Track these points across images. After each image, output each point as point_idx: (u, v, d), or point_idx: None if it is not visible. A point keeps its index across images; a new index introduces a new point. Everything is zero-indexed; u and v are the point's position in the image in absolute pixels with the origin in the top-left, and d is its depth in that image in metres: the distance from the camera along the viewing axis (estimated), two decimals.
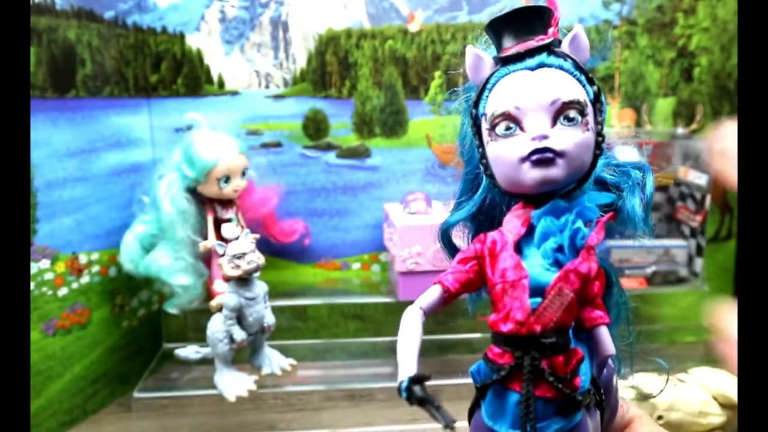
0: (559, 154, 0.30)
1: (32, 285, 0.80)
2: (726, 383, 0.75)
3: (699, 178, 0.98)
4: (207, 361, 0.81)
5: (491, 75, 0.32)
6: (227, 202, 0.92)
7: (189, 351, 0.81)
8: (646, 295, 1.01)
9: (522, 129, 0.31)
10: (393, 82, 1.05)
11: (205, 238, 0.90)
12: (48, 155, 0.82)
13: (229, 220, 0.91)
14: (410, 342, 0.31)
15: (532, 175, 0.30)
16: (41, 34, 0.81)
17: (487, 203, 0.35)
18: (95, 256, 0.90)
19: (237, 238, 0.75)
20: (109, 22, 0.93)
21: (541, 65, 0.31)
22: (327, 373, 0.92)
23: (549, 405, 0.29)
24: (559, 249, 0.30)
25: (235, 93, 1.04)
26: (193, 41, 1.01)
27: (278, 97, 1.05)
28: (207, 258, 0.91)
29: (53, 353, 0.83)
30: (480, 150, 0.33)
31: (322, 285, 1.07)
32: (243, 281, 0.77)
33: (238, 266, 0.75)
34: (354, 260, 1.09)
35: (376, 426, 0.83)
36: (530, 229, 0.31)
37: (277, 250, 1.04)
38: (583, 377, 0.30)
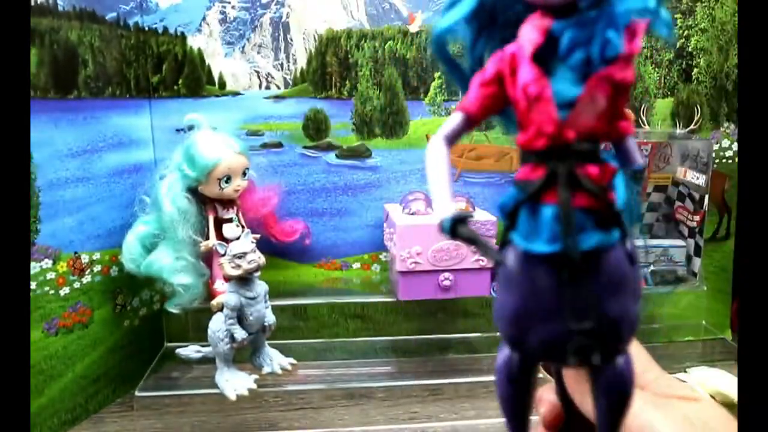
0: None
1: (34, 284, 0.80)
2: (725, 382, 0.76)
3: (697, 178, 0.99)
4: (208, 361, 0.81)
5: None
6: (228, 202, 0.92)
7: (190, 350, 0.82)
8: (645, 294, 1.02)
9: None
10: (393, 82, 1.06)
11: (206, 237, 0.91)
12: (50, 155, 0.83)
13: (229, 220, 0.91)
14: (441, 176, 0.29)
15: None
16: (43, 35, 0.82)
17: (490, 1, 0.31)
18: (97, 255, 0.90)
19: (238, 238, 0.76)
20: (110, 23, 0.93)
21: None
22: (327, 373, 0.93)
23: (588, 217, 0.27)
24: (588, 62, 0.27)
25: (236, 94, 1.04)
26: (194, 42, 1.01)
27: (279, 97, 1.05)
28: (208, 258, 0.91)
29: (55, 352, 0.83)
30: None
31: (322, 284, 1.08)
32: (244, 281, 0.77)
33: (238, 266, 0.75)
34: (354, 260, 1.10)
35: (376, 425, 0.84)
36: (553, 42, 0.28)
37: (277, 250, 1.04)
38: (618, 197, 0.28)
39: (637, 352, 0.39)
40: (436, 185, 0.29)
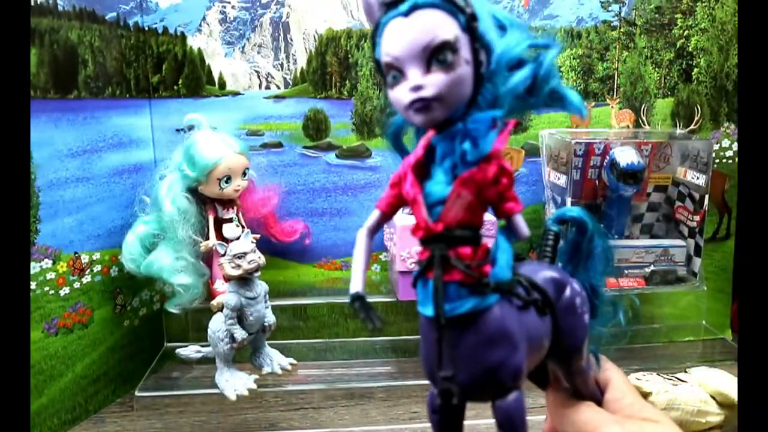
0: (435, 99, 0.32)
1: (34, 285, 0.80)
2: (725, 382, 0.76)
3: (697, 178, 0.99)
4: (208, 361, 0.81)
5: (378, 21, 0.34)
6: (228, 202, 0.92)
7: (190, 350, 0.82)
8: (645, 294, 1.01)
9: (405, 76, 0.33)
10: None
11: (206, 237, 0.91)
12: (50, 155, 0.83)
13: (230, 220, 0.91)
14: (359, 261, 0.38)
15: (416, 119, 0.34)
16: (43, 35, 0.82)
17: None
18: (97, 255, 0.90)
19: (238, 238, 0.76)
20: (110, 23, 0.93)
21: (414, 7, 0.32)
22: (327, 373, 0.92)
23: (461, 288, 0.34)
24: (455, 167, 0.34)
25: (235, 94, 1.04)
26: (194, 42, 1.01)
27: (279, 97, 1.05)
28: (208, 258, 0.91)
29: (55, 352, 0.83)
30: (387, 90, 0.35)
31: (322, 284, 1.08)
32: (244, 281, 0.77)
33: (238, 266, 0.75)
34: None
35: (376, 425, 0.84)
36: (434, 151, 0.36)
37: (277, 250, 1.04)
38: (501, 269, 0.35)
39: (618, 380, 0.44)
40: (354, 268, 0.38)
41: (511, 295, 0.36)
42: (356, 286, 0.37)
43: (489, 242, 0.36)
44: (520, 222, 0.35)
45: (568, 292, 0.40)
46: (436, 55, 0.32)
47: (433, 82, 0.32)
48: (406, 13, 0.32)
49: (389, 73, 0.34)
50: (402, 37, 0.32)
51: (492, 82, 0.34)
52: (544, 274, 0.40)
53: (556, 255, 0.44)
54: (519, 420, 0.36)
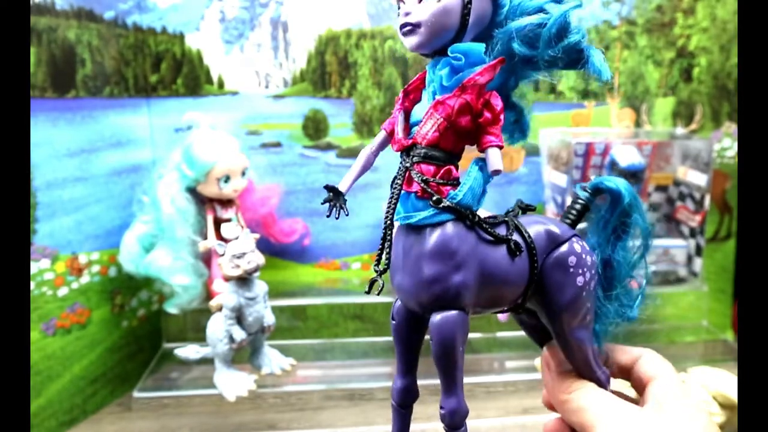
0: (417, 25, 0.36)
1: (32, 285, 0.80)
2: (725, 383, 0.75)
3: (698, 178, 0.99)
4: (207, 361, 0.81)
5: None
6: (227, 202, 0.92)
7: (189, 351, 0.81)
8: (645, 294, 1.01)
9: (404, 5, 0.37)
10: (393, 82, 1.05)
11: (205, 237, 0.90)
12: (48, 155, 0.82)
13: (228, 220, 0.91)
14: (354, 168, 0.41)
15: (406, 42, 0.38)
16: (41, 34, 0.81)
17: None
18: (95, 255, 0.90)
19: (237, 238, 0.76)
20: (109, 22, 0.93)
21: None
22: (327, 373, 0.92)
23: (418, 201, 0.37)
24: (435, 91, 0.38)
25: (234, 93, 1.04)
26: (192, 41, 1.01)
27: (278, 97, 1.05)
28: (207, 258, 0.91)
29: (53, 353, 0.83)
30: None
31: (321, 285, 1.07)
32: (243, 281, 0.77)
33: (238, 266, 0.75)
34: (354, 260, 1.09)
35: (376, 425, 0.83)
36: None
37: (277, 250, 1.04)
38: (462, 192, 0.37)
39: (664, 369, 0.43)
40: (348, 173, 0.41)
41: (471, 221, 0.38)
42: (342, 184, 0.40)
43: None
44: (494, 156, 0.37)
45: (564, 248, 0.41)
46: None
47: (420, 9, 0.36)
48: None
49: (398, 5, 0.38)
50: None
51: (503, 26, 0.37)
52: (541, 226, 0.42)
53: (579, 221, 0.45)
54: (448, 337, 0.37)
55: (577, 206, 0.45)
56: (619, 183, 0.43)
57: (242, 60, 1.04)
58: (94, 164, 0.90)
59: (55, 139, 0.83)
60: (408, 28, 0.37)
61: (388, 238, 0.38)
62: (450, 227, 0.37)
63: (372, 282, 0.38)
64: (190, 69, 1.01)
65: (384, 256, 0.38)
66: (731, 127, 1.10)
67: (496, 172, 0.37)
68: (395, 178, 0.38)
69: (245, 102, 1.04)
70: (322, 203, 0.39)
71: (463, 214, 0.37)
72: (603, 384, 0.44)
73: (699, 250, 1.00)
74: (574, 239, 0.42)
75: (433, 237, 0.37)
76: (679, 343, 1.06)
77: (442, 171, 0.37)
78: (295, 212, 1.06)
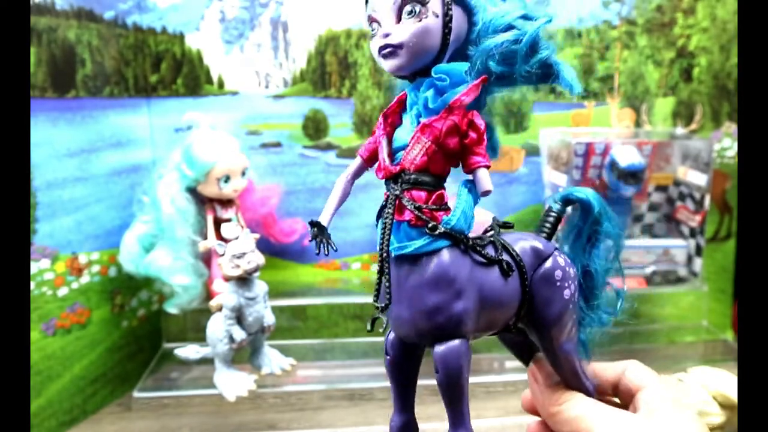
0: (398, 46, 0.36)
1: (32, 285, 0.80)
2: (725, 383, 0.75)
3: (698, 178, 0.99)
4: (207, 361, 0.81)
5: None
6: (227, 202, 0.92)
7: (189, 351, 0.81)
8: (646, 294, 1.01)
9: (381, 27, 0.37)
10: (393, 82, 1.05)
11: (205, 237, 0.90)
12: (48, 155, 0.82)
13: (228, 220, 0.91)
14: (332, 199, 0.40)
15: (385, 65, 0.37)
16: (41, 34, 0.81)
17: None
18: (95, 256, 0.90)
19: (237, 238, 0.76)
20: (108, 22, 0.93)
21: None
22: (327, 373, 0.92)
23: (411, 229, 0.36)
24: (419, 115, 0.37)
25: (234, 93, 1.04)
26: (192, 41, 1.01)
27: (278, 97, 1.05)
28: (207, 258, 0.91)
29: (53, 353, 0.83)
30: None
31: (321, 285, 1.07)
32: (243, 281, 0.77)
33: (238, 266, 0.75)
34: (354, 260, 1.09)
35: (376, 425, 0.83)
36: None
37: (276, 250, 1.04)
38: (455, 217, 0.36)
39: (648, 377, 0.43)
40: (327, 203, 0.40)
41: (465, 246, 0.37)
42: (323, 217, 0.39)
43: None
44: (483, 177, 0.36)
45: (549, 263, 0.41)
46: (404, 6, 0.36)
47: (400, 30, 0.36)
48: None
49: (371, 25, 0.38)
50: None
51: (477, 44, 0.37)
52: (525, 242, 0.41)
53: (554, 233, 0.45)
54: (454, 368, 0.36)
55: (551, 218, 0.45)
56: (587, 193, 0.44)
57: (242, 60, 1.04)
58: (94, 164, 0.90)
59: (55, 139, 0.83)
60: (389, 50, 0.36)
61: (387, 271, 0.36)
62: (446, 254, 0.36)
63: (374, 320, 0.37)
64: (190, 69, 1.01)
65: (384, 290, 0.36)
66: (731, 127, 1.10)
67: (486, 193, 0.37)
68: (384, 207, 0.37)
69: (245, 102, 1.04)
70: (309, 241, 0.38)
71: (458, 239, 0.36)
72: (591, 394, 0.44)
73: (699, 250, 1.00)
74: (556, 253, 0.42)
75: (431, 265, 0.36)
76: (679, 343, 1.06)
77: (434, 196, 0.36)
78: (295, 212, 1.05)
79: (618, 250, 0.45)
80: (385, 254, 0.36)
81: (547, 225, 0.45)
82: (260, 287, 0.79)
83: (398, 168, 0.37)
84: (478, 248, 0.37)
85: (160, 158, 0.94)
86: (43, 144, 0.81)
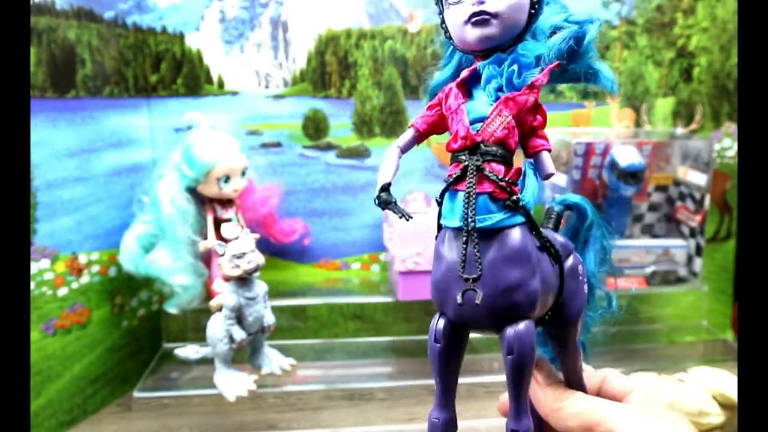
0: (494, 15, 0.35)
1: (32, 285, 0.80)
2: (725, 383, 0.75)
3: (698, 178, 0.99)
4: (207, 361, 0.81)
5: None
6: (227, 202, 0.92)
7: (189, 351, 0.81)
8: (646, 294, 1.01)
9: None
10: (393, 82, 1.05)
11: (205, 237, 0.90)
12: (48, 155, 0.82)
13: (228, 220, 0.91)
14: (388, 166, 0.38)
15: (473, 33, 0.36)
16: (41, 34, 0.81)
17: (462, 64, 0.41)
18: (95, 256, 0.90)
19: (237, 238, 0.76)
20: (108, 22, 0.93)
21: None
22: (327, 373, 0.92)
23: (491, 202, 0.35)
24: (500, 89, 0.36)
25: (234, 93, 1.04)
26: (192, 41, 1.01)
27: (278, 97, 1.05)
28: (207, 258, 0.91)
29: (53, 353, 0.83)
30: (441, 16, 0.38)
31: (321, 285, 1.07)
32: (243, 281, 0.77)
33: (237, 266, 0.75)
34: (354, 260, 1.09)
35: (376, 426, 0.83)
36: (478, 77, 0.37)
37: (276, 250, 1.04)
38: (527, 195, 0.36)
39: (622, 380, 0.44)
40: (381, 172, 0.38)
41: (533, 225, 0.36)
42: (385, 177, 0.37)
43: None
44: (546, 160, 0.37)
45: (572, 258, 0.42)
46: None
47: (495, 0, 0.35)
48: None
49: None
50: None
51: (536, 39, 0.38)
52: (555, 236, 0.41)
53: (557, 232, 0.45)
54: (529, 348, 0.35)
55: (553, 219, 0.45)
56: (581, 199, 0.45)
57: (242, 60, 1.04)
58: (94, 164, 0.90)
59: (55, 139, 0.83)
60: (483, 17, 0.35)
61: (475, 240, 0.35)
62: (523, 230, 0.36)
63: (464, 292, 0.35)
64: (190, 69, 1.01)
65: (474, 260, 0.35)
66: (731, 127, 1.10)
67: (549, 176, 0.37)
68: (460, 177, 0.35)
69: (245, 102, 1.04)
70: (385, 208, 0.37)
71: (531, 217, 0.36)
72: (586, 392, 0.44)
73: (699, 250, 1.00)
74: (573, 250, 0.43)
75: (512, 240, 0.35)
76: (679, 343, 1.06)
77: (512, 171, 0.36)
78: (295, 212, 1.06)
79: (606, 257, 0.46)
80: (472, 224, 0.34)
81: (550, 225, 0.45)
82: (260, 287, 0.79)
83: (480, 138, 0.35)
84: (540, 230, 0.37)
85: (160, 158, 0.94)
86: (43, 144, 0.81)
